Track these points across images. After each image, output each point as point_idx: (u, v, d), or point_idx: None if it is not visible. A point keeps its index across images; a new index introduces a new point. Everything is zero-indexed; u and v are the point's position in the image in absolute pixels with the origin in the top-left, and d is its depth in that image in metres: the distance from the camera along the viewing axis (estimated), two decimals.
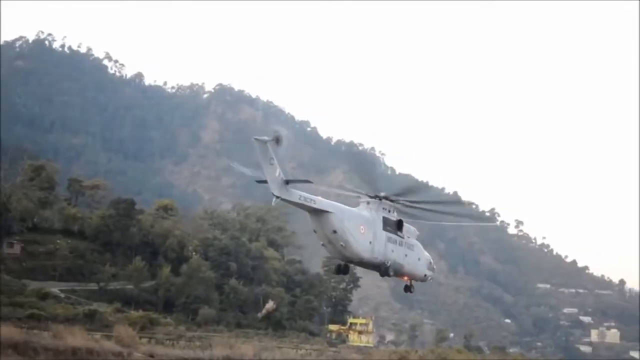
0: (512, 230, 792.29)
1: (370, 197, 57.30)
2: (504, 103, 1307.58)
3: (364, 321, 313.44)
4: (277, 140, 49.79)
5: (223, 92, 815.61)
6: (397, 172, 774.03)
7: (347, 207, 55.79)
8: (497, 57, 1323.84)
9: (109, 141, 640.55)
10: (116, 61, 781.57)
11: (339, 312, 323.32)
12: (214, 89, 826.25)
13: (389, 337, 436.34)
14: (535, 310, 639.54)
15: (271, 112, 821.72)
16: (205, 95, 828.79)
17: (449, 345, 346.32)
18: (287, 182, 50.90)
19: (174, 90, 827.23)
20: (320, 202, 53.90)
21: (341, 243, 53.23)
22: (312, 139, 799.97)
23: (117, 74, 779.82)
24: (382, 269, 57.05)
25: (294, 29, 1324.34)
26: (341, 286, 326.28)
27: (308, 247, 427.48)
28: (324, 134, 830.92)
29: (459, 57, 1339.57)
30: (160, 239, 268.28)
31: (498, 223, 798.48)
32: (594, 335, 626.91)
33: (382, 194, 57.62)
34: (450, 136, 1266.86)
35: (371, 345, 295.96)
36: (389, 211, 58.13)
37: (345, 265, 57.85)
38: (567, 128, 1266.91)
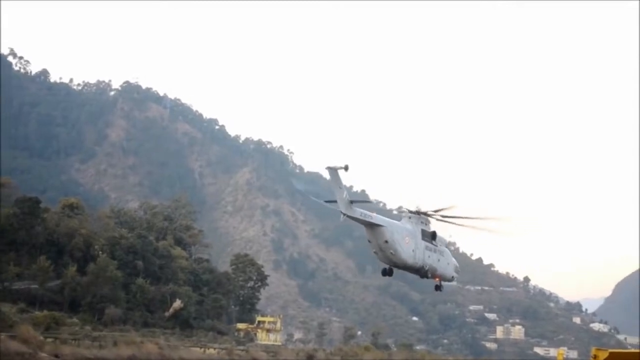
0: None
1: (412, 212, 69.48)
2: (409, 100, 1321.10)
3: (272, 319, 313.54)
4: (346, 168, 59.83)
5: (130, 90, 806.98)
6: (305, 171, 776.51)
7: (395, 221, 67.50)
8: (388, 51, 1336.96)
9: (14, 138, 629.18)
10: (21, 58, 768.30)
11: (247, 310, 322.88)
12: (121, 86, 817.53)
13: (297, 335, 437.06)
14: (442, 308, 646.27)
15: (179, 110, 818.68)
16: (112, 93, 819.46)
17: (357, 342, 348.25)
18: (351, 202, 62.13)
19: (80, 88, 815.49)
20: (376, 217, 65.02)
21: (391, 251, 65.29)
22: (220, 137, 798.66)
23: (22, 70, 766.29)
24: (422, 272, 70.38)
25: (201, 26, 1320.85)
26: (249, 285, 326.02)
27: (215, 246, 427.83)
28: (232, 132, 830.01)
29: (363, 54, 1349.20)
30: (65, 238, 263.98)
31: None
32: (499, 332, 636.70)
33: (421, 210, 69.47)
34: (359, 134, 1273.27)
35: (279, 343, 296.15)
36: (425, 224, 70.07)
37: (390, 268, 69.24)
38: (472, 124, 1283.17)
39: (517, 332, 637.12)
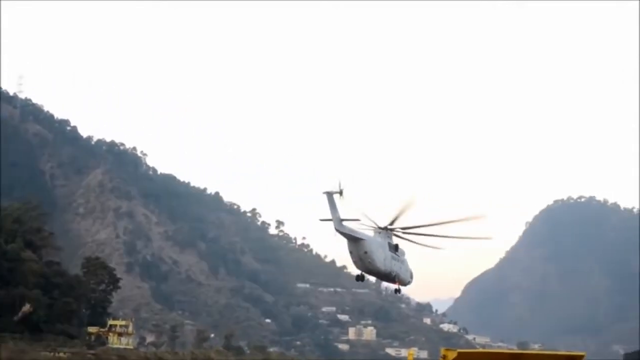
0: (272, 230, 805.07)
1: (380, 228, 79.60)
2: (266, 103, 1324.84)
3: (123, 323, 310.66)
4: (341, 193, 71.87)
5: None
6: (159, 172, 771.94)
7: (371, 236, 78.58)
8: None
9: None
10: None
11: (99, 314, 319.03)
12: None
13: (150, 338, 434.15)
14: (295, 310, 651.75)
15: (29, 110, 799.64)
16: None
17: (210, 345, 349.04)
18: (341, 220, 73.16)
19: None
20: (359, 232, 76.28)
21: (369, 260, 76.48)
22: (72, 138, 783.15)
23: None
24: (390, 278, 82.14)
25: (50, 24, 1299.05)
26: (101, 288, 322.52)
27: (67, 249, 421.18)
28: (84, 133, 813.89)
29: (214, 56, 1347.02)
30: None
31: (259, 223, 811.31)
32: (352, 333, 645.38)
33: (387, 226, 79.90)
34: (214, 136, 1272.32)
35: (131, 347, 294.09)
36: (390, 237, 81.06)
37: (362, 274, 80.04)
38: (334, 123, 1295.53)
39: (369, 333, 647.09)
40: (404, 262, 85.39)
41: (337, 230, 73.90)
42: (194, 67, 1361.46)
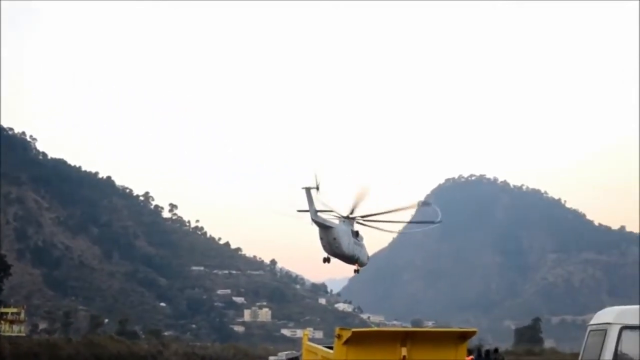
0: (166, 214, 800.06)
1: (344, 217, 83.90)
2: (161, 88, 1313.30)
3: (15, 310, 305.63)
4: (317, 188, 76.87)
5: None
6: (49, 157, 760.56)
7: (338, 224, 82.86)
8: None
9: None
10: None
11: None
12: None
13: (43, 325, 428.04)
14: (190, 293, 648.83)
15: None
16: None
17: (104, 330, 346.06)
18: (317, 211, 78.29)
19: None
20: (329, 222, 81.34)
21: (336, 245, 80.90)
22: None
23: None
24: (353, 260, 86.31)
25: None
26: None
27: None
28: None
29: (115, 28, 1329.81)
30: None
31: (152, 207, 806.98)
32: (247, 315, 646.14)
33: (349, 215, 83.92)
34: (101, 119, 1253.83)
35: (24, 334, 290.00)
36: (352, 225, 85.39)
37: (329, 257, 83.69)
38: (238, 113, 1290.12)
39: (265, 314, 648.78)
40: (362, 246, 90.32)
41: (313, 220, 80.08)
42: (81, 46, 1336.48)
